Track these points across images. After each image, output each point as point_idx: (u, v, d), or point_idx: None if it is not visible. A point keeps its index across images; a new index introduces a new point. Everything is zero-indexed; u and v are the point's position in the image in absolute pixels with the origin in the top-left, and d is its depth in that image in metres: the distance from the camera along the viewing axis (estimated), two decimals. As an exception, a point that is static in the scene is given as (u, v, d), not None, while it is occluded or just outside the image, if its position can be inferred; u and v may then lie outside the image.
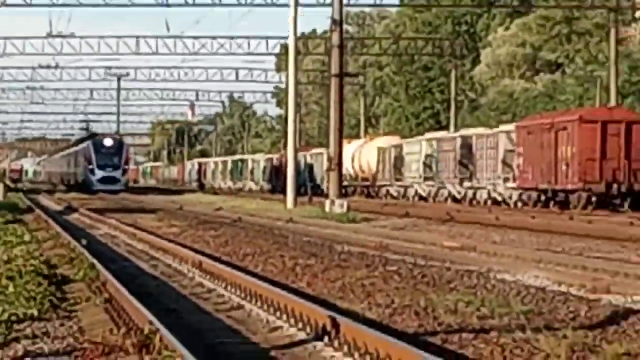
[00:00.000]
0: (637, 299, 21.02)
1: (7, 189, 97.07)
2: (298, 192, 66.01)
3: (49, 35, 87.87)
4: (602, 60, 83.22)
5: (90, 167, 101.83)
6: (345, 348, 14.18)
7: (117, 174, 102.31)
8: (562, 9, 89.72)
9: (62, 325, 16.93)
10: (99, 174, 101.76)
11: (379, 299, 20.46)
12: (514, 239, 42.74)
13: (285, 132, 68.92)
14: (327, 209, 53.49)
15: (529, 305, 19.64)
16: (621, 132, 56.86)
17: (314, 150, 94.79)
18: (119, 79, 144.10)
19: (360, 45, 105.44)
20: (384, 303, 19.71)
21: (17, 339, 15.39)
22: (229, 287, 23.20)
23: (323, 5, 58.57)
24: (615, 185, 58.11)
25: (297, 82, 68.07)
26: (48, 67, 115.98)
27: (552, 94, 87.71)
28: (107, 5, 64.92)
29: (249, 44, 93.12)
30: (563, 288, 23.07)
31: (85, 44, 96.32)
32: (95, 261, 26.38)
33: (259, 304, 19.90)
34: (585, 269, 27.09)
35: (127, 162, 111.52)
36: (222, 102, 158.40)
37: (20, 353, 14.12)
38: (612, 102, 71.78)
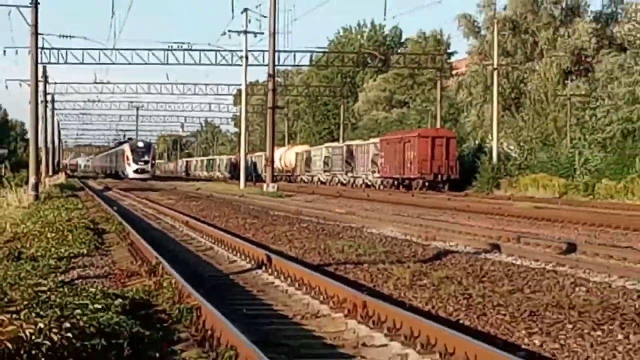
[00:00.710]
0: (452, 244, 22.47)
1: (67, 176, 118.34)
2: (247, 179, 72.65)
3: (95, 82, 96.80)
4: (432, 100, 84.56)
5: (128, 162, 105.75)
6: (275, 274, 16.69)
7: (147, 167, 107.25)
8: (408, 68, 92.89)
9: (101, 259, 19.23)
10: (134, 166, 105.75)
11: (296, 243, 22.74)
12: (378, 208, 44.73)
13: (239, 142, 78.94)
14: (264, 189, 59.99)
15: (387, 248, 21.54)
16: (443, 143, 63.07)
17: (257, 153, 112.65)
18: (137, 109, 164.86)
19: (285, 90, 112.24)
20: (299, 246, 22.15)
21: (73, 268, 17.38)
22: (204, 236, 25.25)
23: (263, 65, 60.71)
24: (439, 176, 65.32)
25: (247, 112, 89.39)
26: (94, 101, 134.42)
27: (401, 120, 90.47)
28: (129, 63, 68.50)
29: (218, 88, 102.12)
30: (408, 237, 24.59)
31: (116, 87, 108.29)
32: (122, 220, 28.97)
33: (223, 246, 22.12)
34: (421, 226, 28.66)
35: (154, 158, 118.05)
36: (201, 124, 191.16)
37: (75, 276, 15.96)
38: (438, 125, 72.65)
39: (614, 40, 69.98)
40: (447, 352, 9.05)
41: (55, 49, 78.75)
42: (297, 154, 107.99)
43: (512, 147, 68.21)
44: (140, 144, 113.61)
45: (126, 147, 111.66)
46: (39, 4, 46.07)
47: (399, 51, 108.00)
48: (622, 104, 59.06)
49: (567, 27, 73.09)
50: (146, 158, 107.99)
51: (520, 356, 8.80)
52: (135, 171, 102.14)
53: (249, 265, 17.97)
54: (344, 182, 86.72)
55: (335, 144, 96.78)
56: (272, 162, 67.81)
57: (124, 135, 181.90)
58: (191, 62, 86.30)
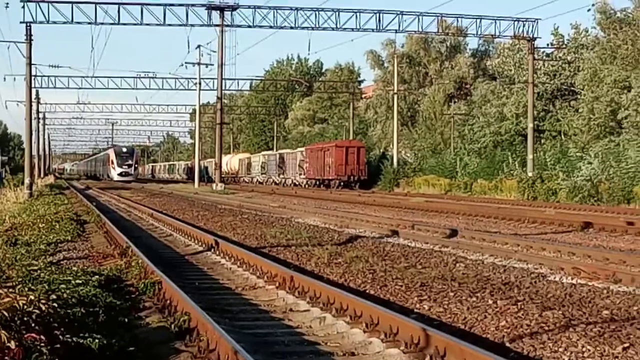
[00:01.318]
0: (361, 230, 22.26)
1: (56, 177, 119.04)
2: (200, 180, 74.58)
3: (78, 102, 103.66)
4: (346, 117, 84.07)
5: (113, 165, 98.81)
6: (221, 255, 16.58)
7: (131, 170, 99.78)
8: (327, 93, 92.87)
9: (82, 244, 19.10)
10: (118, 170, 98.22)
11: (238, 231, 22.68)
12: (304, 202, 43.97)
13: (194, 151, 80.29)
14: (213, 188, 59.56)
15: (310, 234, 21.31)
16: (355, 151, 63.33)
17: (208, 160, 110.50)
18: (112, 124, 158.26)
19: (230, 109, 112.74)
20: (240, 233, 22.05)
21: (60, 251, 17.28)
22: (165, 225, 24.79)
23: (213, 89, 60.68)
24: (352, 177, 64.35)
25: (200, 127, 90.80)
26: (77, 118, 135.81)
27: (322, 133, 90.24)
28: (106, 88, 68.42)
29: (177, 108, 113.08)
30: (326, 225, 24.33)
31: (95, 107, 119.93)
32: (99, 212, 28.47)
33: (180, 233, 21.79)
34: (337, 217, 28.05)
35: (137, 162, 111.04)
36: (164, 136, 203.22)
37: (61, 258, 15.78)
38: (351, 137, 72.52)
39: (487, 71, 70.68)
40: (355, 315, 9.18)
41: (46, 76, 77.65)
42: (240, 160, 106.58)
43: (408, 155, 68.41)
44: (124, 149, 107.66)
45: (111, 152, 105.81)
46: (32, 40, 45.95)
47: (320, 79, 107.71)
48: (493, 120, 59.87)
49: (450, 61, 74.11)
50: (129, 162, 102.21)
51: (413, 318, 8.87)
52: (120, 174, 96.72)
53: (200, 248, 17.86)
54: (277, 182, 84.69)
55: (270, 152, 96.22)
56: (220, 166, 65.78)
57: (107, 142, 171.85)
58: (155, 87, 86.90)
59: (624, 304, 10.44)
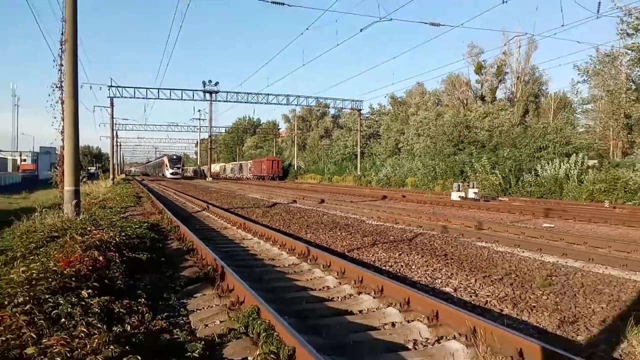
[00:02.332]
0: (279, 200, 21.64)
1: (126, 175, 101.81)
2: (200, 177, 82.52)
3: (138, 137, 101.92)
4: (271, 146, 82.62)
5: (167, 167, 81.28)
6: (211, 213, 15.85)
7: (179, 170, 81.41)
8: (263, 134, 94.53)
9: (139, 208, 17.87)
10: (171, 170, 79.95)
11: (219, 201, 21.19)
12: (251, 187, 42.11)
13: (197, 161, 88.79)
14: (206, 180, 58.19)
15: (253, 202, 20.39)
16: (276, 162, 62.61)
17: (204, 166, 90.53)
18: (155, 149, 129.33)
19: (216, 141, 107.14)
20: (220, 201, 20.62)
21: (127, 211, 16.14)
22: (182, 198, 23.24)
23: (206, 132, 56.02)
24: (275, 175, 60.93)
25: (201, 150, 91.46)
26: (137, 145, 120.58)
27: (260, 153, 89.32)
28: (154, 130, 67.52)
29: (187, 140, 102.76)
30: (261, 197, 22.96)
31: (147, 140, 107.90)
32: (149, 192, 26.81)
33: (189, 202, 20.52)
34: (266, 193, 26.85)
35: (183, 165, 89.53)
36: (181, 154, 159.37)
37: (127, 214, 14.86)
38: (274, 155, 72.25)
39: (339, 124, 70.61)
40: (275, 241, 9.14)
41: (122, 123, 74.39)
42: (220, 166, 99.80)
43: (302, 164, 67.96)
44: (174, 156, 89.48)
45: (165, 158, 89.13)
46: (114, 106, 44.54)
47: (259, 127, 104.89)
48: (342, 148, 60.76)
49: (321, 119, 74.34)
50: (178, 165, 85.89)
51: (302, 241, 8.71)
52: (172, 173, 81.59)
53: (200, 209, 17.12)
54: (239, 177, 79.88)
55: (235, 162, 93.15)
56: (210, 169, 64.14)
57: (154, 155, 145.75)
58: (177, 130, 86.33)
59: (400, 233, 10.58)
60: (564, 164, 24.24)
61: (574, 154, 25.09)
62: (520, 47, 46.87)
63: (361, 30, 20.39)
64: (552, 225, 12.44)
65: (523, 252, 8.29)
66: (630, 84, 33.84)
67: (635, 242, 8.90)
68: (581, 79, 35.04)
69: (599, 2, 19.16)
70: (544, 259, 7.68)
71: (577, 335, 4.37)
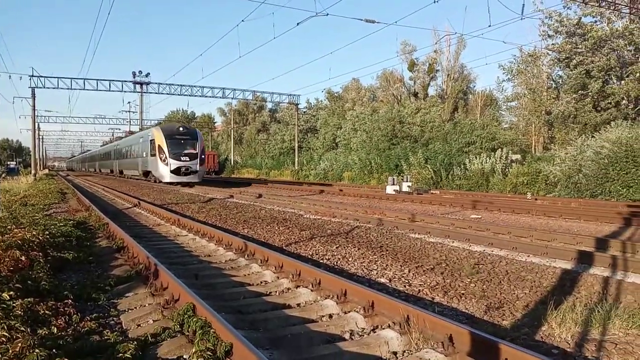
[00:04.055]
0: (215, 195, 21.21)
1: (49, 171, 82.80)
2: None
3: (62, 130, 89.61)
4: (209, 139, 79.53)
5: (162, 157, 29.07)
6: (142, 209, 15.31)
7: (194, 164, 27.64)
8: (197, 128, 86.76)
9: (64, 204, 16.76)
10: (173, 164, 28.47)
11: (151, 196, 20.29)
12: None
13: None
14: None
15: (188, 197, 19.82)
16: (212, 156, 56.15)
17: None
18: (81, 142, 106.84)
19: None
20: (152, 197, 19.72)
21: (51, 208, 15.22)
22: (110, 193, 22.13)
23: (136, 125, 49.12)
24: (212, 169, 54.40)
25: None
26: (60, 138, 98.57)
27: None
28: (80, 123, 55.26)
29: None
30: (197, 193, 22.42)
31: (72, 133, 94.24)
32: (74, 188, 24.86)
33: (119, 198, 19.63)
34: (202, 188, 25.88)
35: (203, 153, 46.64)
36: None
37: (52, 212, 14.02)
38: (211, 149, 69.36)
39: (276, 119, 70.09)
40: (211, 236, 8.99)
41: (44, 115, 69.60)
42: None
43: (238, 158, 67.06)
44: (181, 128, 29.51)
45: (157, 133, 28.86)
46: (35, 96, 41.64)
47: (194, 121, 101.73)
48: (279, 142, 60.79)
49: (258, 113, 73.65)
50: (192, 150, 28.55)
51: (239, 237, 8.70)
52: (176, 172, 27.98)
53: (130, 205, 16.48)
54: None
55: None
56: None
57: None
58: (106, 122, 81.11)
59: (337, 227, 10.69)
60: (490, 159, 25.44)
61: (499, 149, 26.40)
62: (450, 45, 48.86)
63: (298, 24, 20.38)
64: (480, 217, 13.05)
65: (453, 242, 8.65)
66: (551, 82, 36.27)
67: (555, 232, 9.52)
68: (506, 78, 37.24)
69: (523, 5, 20.21)
70: (472, 248, 8.05)
71: (503, 319, 4.61)
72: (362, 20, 19.68)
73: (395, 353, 3.77)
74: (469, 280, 5.98)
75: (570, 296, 5.24)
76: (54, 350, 3.40)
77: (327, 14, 18.23)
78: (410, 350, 3.77)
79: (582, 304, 4.79)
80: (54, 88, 42.34)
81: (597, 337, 4.12)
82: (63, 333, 3.88)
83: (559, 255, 7.30)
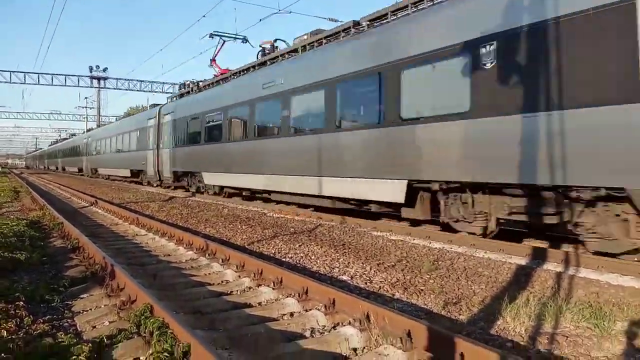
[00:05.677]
0: (175, 195, 20.48)
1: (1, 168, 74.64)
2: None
3: (15, 126, 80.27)
4: None
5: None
6: (99, 208, 14.92)
7: None
8: None
9: (17, 203, 16.31)
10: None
11: (109, 195, 19.86)
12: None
13: None
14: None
15: (148, 196, 19.41)
16: None
17: None
18: (36, 139, 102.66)
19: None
20: (111, 195, 19.45)
21: (2, 207, 14.75)
22: (68, 193, 21.51)
23: (94, 121, 46.51)
24: None
25: None
26: (14, 135, 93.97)
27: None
28: (34, 119, 50.61)
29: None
30: (158, 191, 21.68)
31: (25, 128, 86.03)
32: (28, 186, 24.34)
33: (75, 197, 19.22)
34: (166, 190, 25.16)
35: None
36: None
37: (4, 211, 13.56)
38: None
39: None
40: (171, 236, 8.91)
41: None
42: None
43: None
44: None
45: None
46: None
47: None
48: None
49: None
50: None
51: (201, 236, 8.60)
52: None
53: (86, 204, 16.04)
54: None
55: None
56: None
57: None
58: (62, 119, 78.00)
59: (300, 225, 10.67)
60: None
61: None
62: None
63: (260, 20, 20.32)
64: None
65: (414, 239, 8.75)
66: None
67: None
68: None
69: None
70: (432, 245, 8.18)
71: (460, 314, 4.72)
72: (325, 18, 19.83)
73: (355, 349, 3.80)
74: (428, 276, 6.08)
75: (525, 291, 5.38)
76: (3, 354, 3.31)
77: (290, 12, 18.24)
78: (370, 347, 3.81)
79: (536, 298, 4.93)
80: (6, 82, 40.76)
81: (550, 330, 4.25)
82: (14, 336, 3.76)
83: (514, 251, 7.50)
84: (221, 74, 17.96)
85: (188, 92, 20.42)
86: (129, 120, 28.63)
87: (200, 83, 19.39)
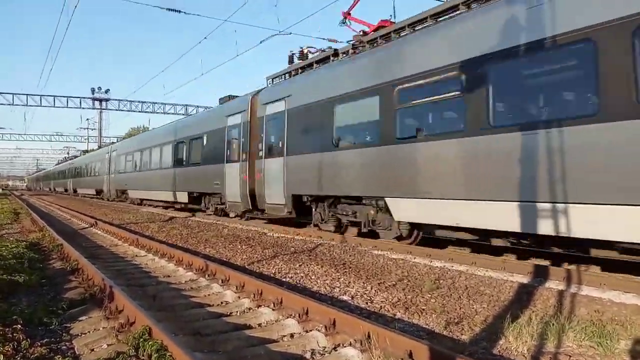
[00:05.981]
0: (174, 215, 20.39)
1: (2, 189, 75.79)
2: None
3: (16, 147, 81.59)
4: None
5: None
6: (99, 229, 14.89)
7: None
8: None
9: (17, 225, 16.31)
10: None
11: (109, 216, 19.79)
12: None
13: None
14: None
15: (148, 216, 19.36)
16: None
17: None
18: (37, 160, 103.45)
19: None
20: (111, 217, 19.33)
21: (3, 229, 14.64)
22: (67, 214, 21.47)
23: (94, 142, 46.04)
24: None
25: None
26: (15, 156, 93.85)
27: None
28: (36, 140, 45.64)
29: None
30: (157, 212, 21.58)
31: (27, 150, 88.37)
32: (27, 208, 24.27)
33: (75, 218, 19.24)
34: (161, 210, 25.05)
35: None
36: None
37: (4, 232, 13.56)
38: None
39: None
40: (171, 257, 8.88)
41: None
42: None
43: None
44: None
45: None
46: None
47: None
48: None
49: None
50: None
51: (200, 256, 8.56)
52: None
53: (86, 226, 16.04)
54: None
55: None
56: None
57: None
58: (63, 139, 78.50)
59: (301, 244, 10.63)
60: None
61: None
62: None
63: (261, 42, 20.50)
64: (442, 233, 13.26)
65: (415, 258, 8.70)
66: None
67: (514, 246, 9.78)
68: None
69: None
70: (433, 264, 8.12)
71: (462, 334, 4.67)
72: (324, 39, 20.06)
73: (356, 371, 3.77)
74: (429, 295, 6.03)
75: (527, 310, 5.33)
76: (-1, 379, 3.28)
77: (290, 33, 18.46)
78: (371, 368, 3.77)
79: (538, 317, 4.88)
80: (8, 104, 41.03)
81: (552, 349, 4.20)
82: (11, 360, 3.74)
83: (516, 269, 7.47)
84: (376, 27, 11.17)
85: (310, 65, 13.03)
86: (184, 123, 20.53)
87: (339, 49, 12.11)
